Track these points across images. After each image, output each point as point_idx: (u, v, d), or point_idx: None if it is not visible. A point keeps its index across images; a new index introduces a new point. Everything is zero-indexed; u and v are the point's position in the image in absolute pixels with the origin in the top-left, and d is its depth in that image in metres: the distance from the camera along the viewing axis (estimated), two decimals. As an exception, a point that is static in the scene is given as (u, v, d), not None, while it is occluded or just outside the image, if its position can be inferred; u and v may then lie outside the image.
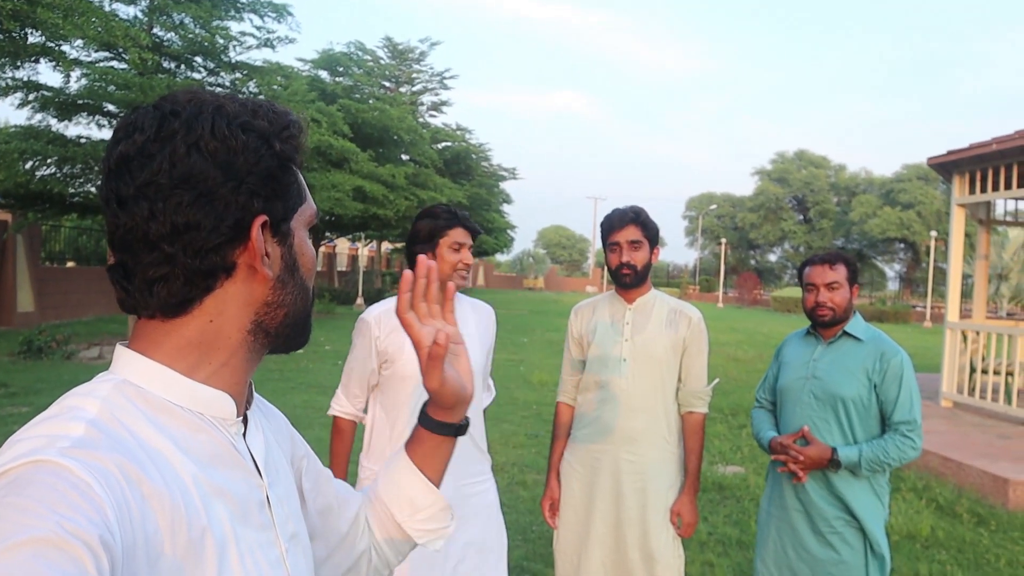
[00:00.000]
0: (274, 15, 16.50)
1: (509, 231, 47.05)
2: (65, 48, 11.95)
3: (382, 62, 38.91)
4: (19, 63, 11.92)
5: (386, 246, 41.43)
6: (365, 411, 2.88)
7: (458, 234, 2.75)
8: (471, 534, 2.76)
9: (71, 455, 0.70)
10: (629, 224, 3.02)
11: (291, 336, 0.94)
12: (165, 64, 15.64)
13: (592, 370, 3.10)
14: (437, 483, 1.19)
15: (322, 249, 35.86)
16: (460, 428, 1.17)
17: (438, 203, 2.98)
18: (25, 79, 13.33)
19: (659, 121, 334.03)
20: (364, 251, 38.49)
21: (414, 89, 41.20)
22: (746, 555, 4.87)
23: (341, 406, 2.86)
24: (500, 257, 78.36)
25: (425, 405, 1.16)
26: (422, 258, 1.07)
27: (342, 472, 2.81)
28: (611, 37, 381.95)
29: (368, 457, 2.81)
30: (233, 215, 0.83)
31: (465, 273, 2.77)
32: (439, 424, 1.15)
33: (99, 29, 9.73)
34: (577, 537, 3.08)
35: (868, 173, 65.48)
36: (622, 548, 2.98)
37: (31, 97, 14.17)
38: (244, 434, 0.92)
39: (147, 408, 0.82)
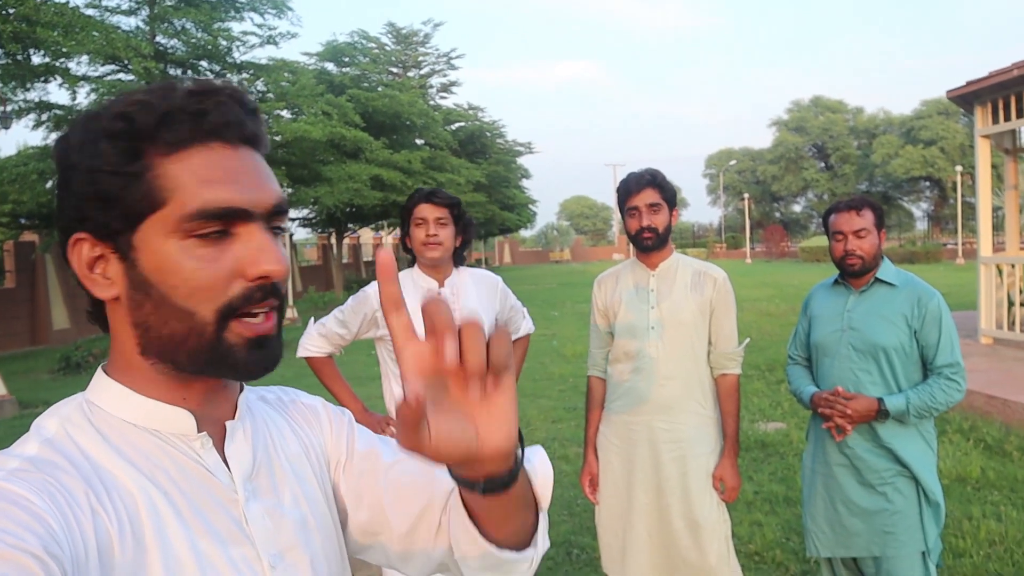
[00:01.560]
0: (274, 11, 16.49)
1: (531, 206, 46.98)
2: (71, 65, 12.02)
3: (387, 48, 38.75)
4: (28, 85, 12.01)
5: (409, 232, 41.38)
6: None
7: (421, 210, 2.92)
8: None
9: (15, 476, 0.72)
10: (646, 187, 2.95)
11: (196, 362, 0.81)
12: (171, 71, 15.68)
13: (621, 340, 3.05)
14: (492, 534, 0.88)
15: (346, 240, 35.99)
16: (490, 485, 0.78)
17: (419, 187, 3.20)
18: (36, 100, 13.44)
19: (672, 81, 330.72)
20: (388, 239, 38.57)
21: (422, 72, 41.04)
22: (794, 511, 4.82)
23: (318, 346, 3.04)
24: (524, 233, 78.24)
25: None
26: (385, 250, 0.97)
27: (351, 396, 3.07)
28: (613, 3, 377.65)
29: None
30: (63, 233, 0.82)
31: (434, 244, 2.90)
32: (458, 478, 0.80)
33: (100, 43, 9.76)
34: (619, 510, 3.04)
35: (887, 113, 64.43)
36: (666, 518, 2.94)
37: (44, 117, 14.31)
38: (225, 445, 0.88)
39: (102, 427, 0.82)
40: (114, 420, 0.82)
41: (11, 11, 9.10)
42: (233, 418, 0.91)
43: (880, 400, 2.78)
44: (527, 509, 0.88)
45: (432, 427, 0.66)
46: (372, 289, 2.97)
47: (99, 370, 0.87)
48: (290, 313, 18.42)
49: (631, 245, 3.10)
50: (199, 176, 0.78)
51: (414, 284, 3.00)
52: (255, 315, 0.81)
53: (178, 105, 0.78)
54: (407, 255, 3.06)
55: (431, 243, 2.90)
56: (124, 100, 0.79)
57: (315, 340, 3.05)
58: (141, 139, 0.77)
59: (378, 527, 1.00)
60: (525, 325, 3.32)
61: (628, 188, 2.99)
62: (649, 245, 2.97)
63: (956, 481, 5.32)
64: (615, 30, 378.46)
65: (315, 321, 3.11)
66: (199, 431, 0.86)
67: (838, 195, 56.08)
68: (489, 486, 0.78)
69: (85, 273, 0.81)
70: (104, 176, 0.77)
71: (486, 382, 0.68)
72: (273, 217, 0.83)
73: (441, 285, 3.00)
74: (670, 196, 3.00)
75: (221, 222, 0.79)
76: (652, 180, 2.97)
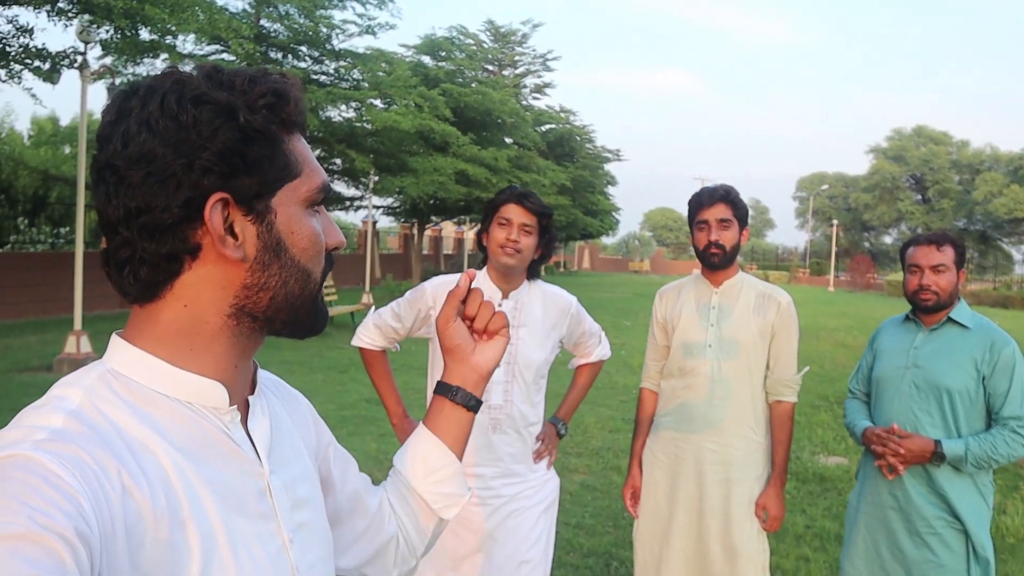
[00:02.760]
0: (375, 2, 16.76)
1: (614, 213, 46.70)
2: (177, 43, 12.45)
3: (484, 45, 39.04)
4: (137, 60, 12.50)
5: (491, 229, 41.66)
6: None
7: (508, 210, 2.67)
8: (512, 546, 2.66)
9: (44, 448, 0.69)
10: (719, 202, 2.91)
11: (289, 321, 0.89)
12: (272, 55, 16.10)
13: (676, 356, 3.01)
14: (455, 452, 1.17)
15: (428, 232, 36.44)
16: (467, 398, 1.15)
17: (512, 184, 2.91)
18: (144, 75, 13.99)
19: (767, 98, 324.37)
20: (470, 234, 38.85)
21: (517, 72, 41.22)
22: (846, 550, 4.67)
23: (371, 338, 2.86)
24: (605, 240, 77.86)
25: (441, 381, 1.17)
26: (470, 271, 1.07)
27: (396, 398, 2.89)
28: (716, 12, 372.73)
29: None
30: (184, 194, 0.79)
31: (511, 251, 2.64)
32: (445, 386, 1.15)
33: (203, 23, 10.10)
34: (659, 527, 3.00)
35: (994, 149, 61.66)
36: (704, 540, 2.88)
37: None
38: (247, 419, 0.90)
39: (131, 398, 0.80)
40: (143, 391, 0.81)
41: (124, -12, 9.54)
42: (252, 394, 0.93)
43: (937, 443, 2.67)
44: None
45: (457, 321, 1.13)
46: (430, 285, 2.79)
47: (118, 339, 0.85)
48: (365, 298, 18.73)
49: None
50: (311, 157, 0.90)
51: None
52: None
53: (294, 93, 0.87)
54: (480, 252, 2.86)
55: (510, 248, 2.64)
56: (266, 77, 0.85)
57: (370, 331, 2.86)
58: (282, 115, 0.85)
59: (347, 514, 1.09)
60: (598, 351, 3.00)
61: (700, 201, 2.95)
62: (715, 262, 2.92)
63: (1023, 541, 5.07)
64: (715, 42, 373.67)
65: (374, 311, 2.92)
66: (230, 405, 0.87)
67: (933, 230, 54.04)
68: (466, 400, 1.15)
69: (221, 233, 0.81)
70: (260, 141, 0.82)
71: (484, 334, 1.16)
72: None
73: (505, 296, 2.74)
74: (742, 214, 2.94)
75: (324, 198, 0.91)
76: (725, 195, 2.92)
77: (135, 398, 0.80)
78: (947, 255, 2.78)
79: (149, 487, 0.74)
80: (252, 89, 0.82)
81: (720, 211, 2.90)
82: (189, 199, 0.79)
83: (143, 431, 0.78)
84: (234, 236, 0.82)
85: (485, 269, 2.79)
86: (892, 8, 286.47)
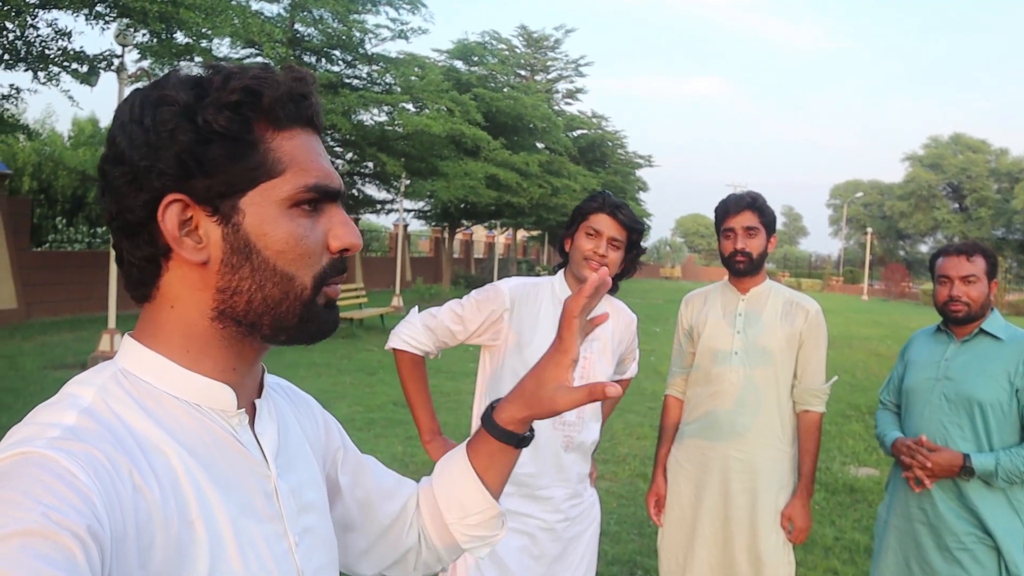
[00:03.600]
0: (408, 6, 16.87)
1: (645, 219, 46.55)
2: (212, 46, 12.60)
3: (517, 51, 39.09)
4: (172, 63, 12.67)
5: (522, 234, 41.73)
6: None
7: (599, 221, 2.50)
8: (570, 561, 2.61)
9: (58, 446, 0.69)
10: (745, 209, 2.87)
11: (276, 327, 0.86)
12: (306, 59, 16.25)
13: (702, 363, 2.98)
14: (495, 491, 1.11)
15: (459, 236, 36.54)
16: (523, 440, 1.07)
17: (603, 190, 2.69)
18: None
19: (802, 105, 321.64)
20: (500, 239, 38.94)
21: (549, 77, 41.22)
22: (875, 563, 4.60)
23: (418, 341, 2.56)
24: (635, 246, 77.50)
25: (491, 407, 1.08)
26: (603, 271, 1.00)
27: (430, 413, 2.63)
28: (750, 18, 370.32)
29: None
30: (144, 196, 0.80)
31: (596, 264, 2.48)
32: (503, 431, 1.06)
33: (237, 26, 10.22)
34: (683, 536, 2.96)
35: (1035, 157, 60.68)
36: (729, 549, 2.85)
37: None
38: (255, 422, 0.90)
39: (142, 398, 0.80)
40: (154, 391, 0.81)
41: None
42: (259, 397, 0.93)
43: (966, 456, 2.61)
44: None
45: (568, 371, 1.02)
46: (507, 286, 2.58)
47: (129, 339, 0.85)
48: (395, 301, 18.81)
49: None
50: (307, 154, 0.85)
51: (553, 295, 2.59)
52: (333, 283, 0.89)
53: (288, 88, 0.84)
54: (561, 257, 2.68)
55: (595, 263, 2.49)
56: (243, 75, 0.83)
57: (417, 332, 2.56)
58: (257, 112, 0.82)
59: (359, 521, 1.07)
60: (632, 368, 2.92)
61: (726, 208, 2.92)
62: (741, 269, 2.89)
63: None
64: (750, 48, 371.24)
65: (418, 310, 2.64)
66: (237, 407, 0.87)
67: (969, 239, 53.16)
68: (525, 439, 1.07)
69: (176, 235, 0.80)
70: (220, 141, 0.80)
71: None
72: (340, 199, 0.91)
73: None
74: (769, 221, 2.91)
75: (322, 198, 0.86)
76: (752, 203, 2.89)
77: (145, 398, 0.81)
78: (977, 265, 2.72)
79: (159, 487, 0.75)
80: (225, 87, 0.81)
81: (746, 219, 2.86)
82: (147, 201, 0.80)
83: (154, 431, 0.78)
84: (197, 238, 0.82)
85: (562, 274, 2.65)
86: (930, 15, 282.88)
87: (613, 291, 2.60)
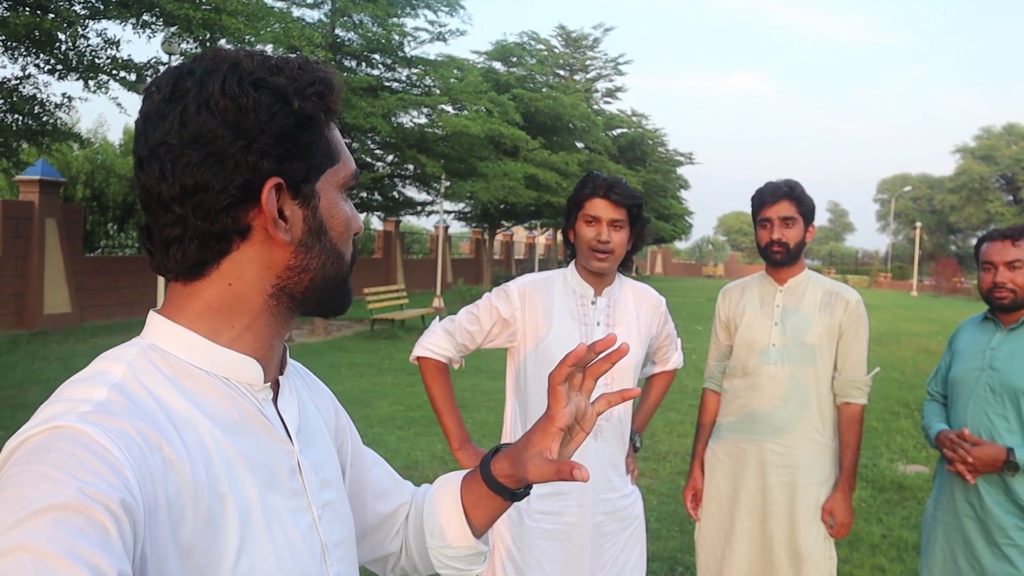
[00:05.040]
0: (447, 9, 16.93)
1: (687, 218, 46.14)
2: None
3: (556, 50, 38.99)
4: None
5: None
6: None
7: (595, 206, 2.43)
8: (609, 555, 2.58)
9: (90, 420, 0.70)
10: (782, 199, 2.83)
11: (323, 301, 0.91)
12: (346, 63, 16.40)
13: (739, 356, 2.94)
14: (479, 529, 1.13)
15: (499, 237, 36.59)
16: (515, 495, 1.08)
17: (593, 171, 2.61)
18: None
19: (848, 99, 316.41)
20: (541, 239, 38.89)
21: (588, 76, 41.05)
22: (923, 560, 4.50)
23: (440, 347, 2.54)
24: (679, 244, 76.94)
25: (490, 455, 1.10)
26: (612, 336, 0.97)
27: (457, 420, 2.59)
28: (792, 12, 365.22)
29: None
30: (242, 176, 0.80)
31: (603, 254, 2.42)
32: (496, 483, 1.07)
33: (278, 32, 10.35)
34: (721, 530, 2.93)
35: (1091, 147, 58.99)
36: (768, 545, 2.81)
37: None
38: (276, 399, 0.91)
39: (171, 373, 0.82)
40: (183, 365, 0.83)
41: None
42: (282, 374, 0.94)
43: (1010, 451, 2.53)
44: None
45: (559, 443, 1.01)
46: (516, 284, 2.56)
47: (156, 315, 0.86)
48: (436, 302, 18.89)
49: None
50: (343, 146, 0.92)
51: (566, 286, 2.56)
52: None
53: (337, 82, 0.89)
54: (568, 249, 2.63)
55: (601, 251, 2.43)
56: (311, 66, 0.86)
57: (438, 338, 2.55)
58: (327, 103, 0.87)
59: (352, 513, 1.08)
60: (675, 359, 2.86)
61: (763, 198, 2.88)
62: (778, 260, 2.85)
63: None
64: (790, 43, 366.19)
65: (439, 319, 2.64)
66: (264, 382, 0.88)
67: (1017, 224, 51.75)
68: (518, 495, 1.08)
69: (276, 216, 0.83)
70: (310, 127, 0.84)
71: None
72: None
73: (598, 294, 2.54)
74: (807, 210, 2.86)
75: (355, 185, 0.93)
76: (789, 192, 2.84)
77: (175, 372, 0.82)
78: (1023, 250, 2.65)
79: (190, 460, 0.76)
80: (302, 76, 0.84)
81: (783, 208, 2.82)
82: (247, 181, 0.81)
83: (184, 405, 0.79)
84: (284, 219, 0.84)
85: (572, 265, 2.60)
86: (978, 5, 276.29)
87: (627, 268, 2.60)
